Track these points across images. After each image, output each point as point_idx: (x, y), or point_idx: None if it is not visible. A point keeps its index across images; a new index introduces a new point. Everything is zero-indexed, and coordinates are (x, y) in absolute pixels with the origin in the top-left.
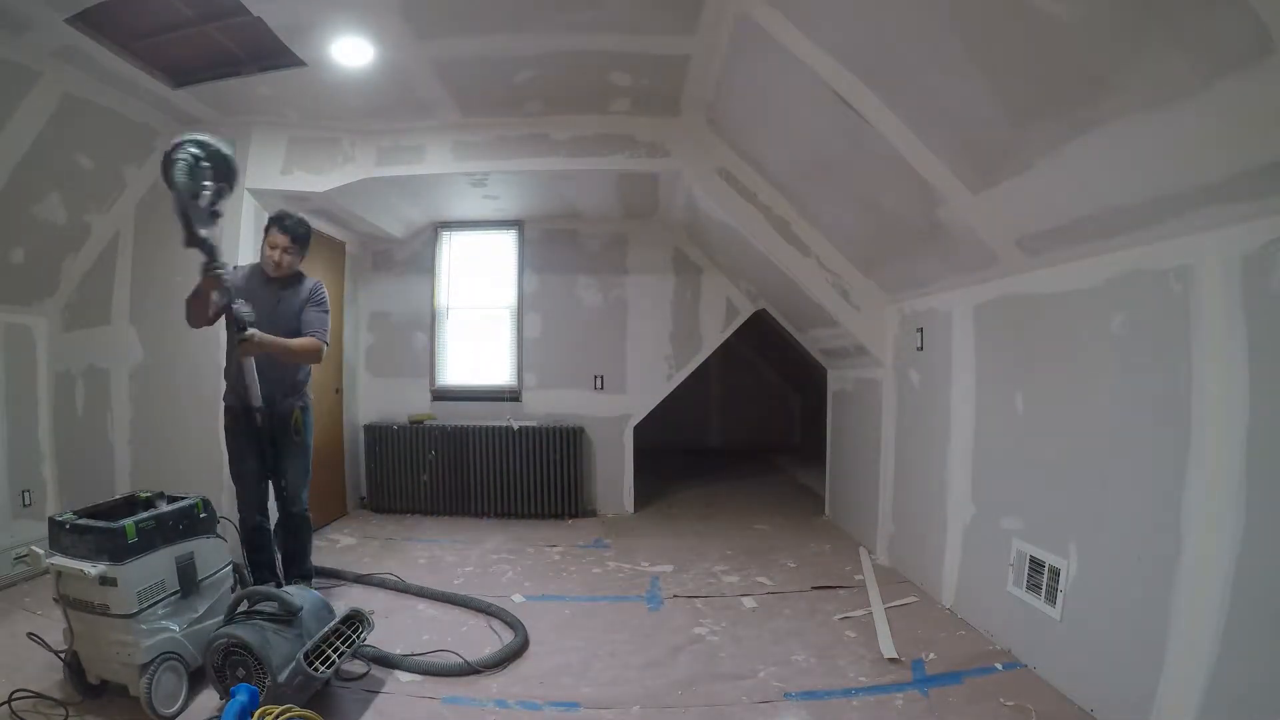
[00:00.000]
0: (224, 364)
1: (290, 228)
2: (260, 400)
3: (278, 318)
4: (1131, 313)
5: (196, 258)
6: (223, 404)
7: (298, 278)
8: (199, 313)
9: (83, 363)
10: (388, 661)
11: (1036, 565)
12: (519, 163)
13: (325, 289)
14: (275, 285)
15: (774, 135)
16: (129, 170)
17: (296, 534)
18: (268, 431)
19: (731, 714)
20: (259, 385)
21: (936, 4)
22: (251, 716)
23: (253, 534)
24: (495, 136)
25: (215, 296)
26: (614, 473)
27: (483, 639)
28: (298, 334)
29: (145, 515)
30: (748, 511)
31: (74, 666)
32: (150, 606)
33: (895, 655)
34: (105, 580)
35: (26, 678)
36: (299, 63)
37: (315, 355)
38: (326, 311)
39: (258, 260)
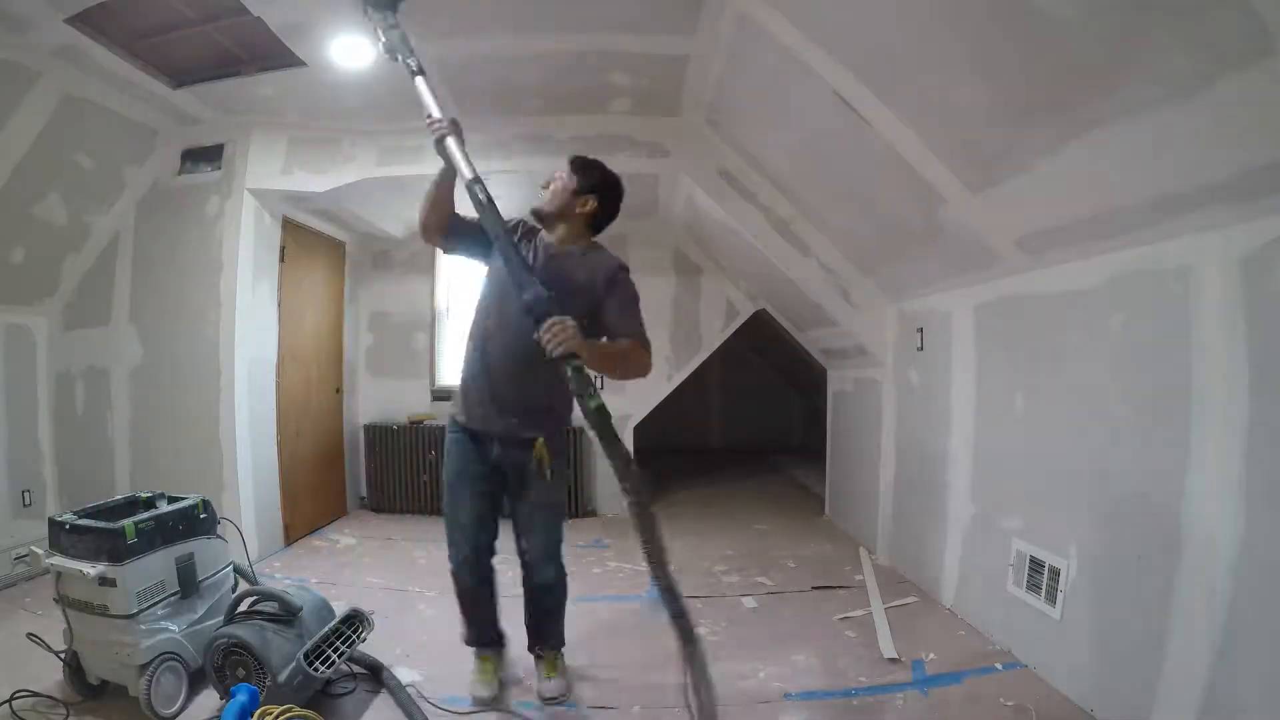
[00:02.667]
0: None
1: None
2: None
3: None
4: (1132, 313)
5: None
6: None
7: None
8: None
9: (83, 363)
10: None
11: (1036, 565)
12: (519, 163)
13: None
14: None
15: (774, 135)
16: (129, 170)
17: (550, 609)
18: (493, 467)
19: (731, 714)
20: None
21: (936, 4)
22: (251, 716)
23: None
24: (495, 136)
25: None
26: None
27: None
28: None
29: (145, 516)
30: (748, 511)
31: (74, 666)
32: (150, 607)
33: (895, 655)
34: (105, 581)
35: (26, 678)
36: (299, 63)
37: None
38: None
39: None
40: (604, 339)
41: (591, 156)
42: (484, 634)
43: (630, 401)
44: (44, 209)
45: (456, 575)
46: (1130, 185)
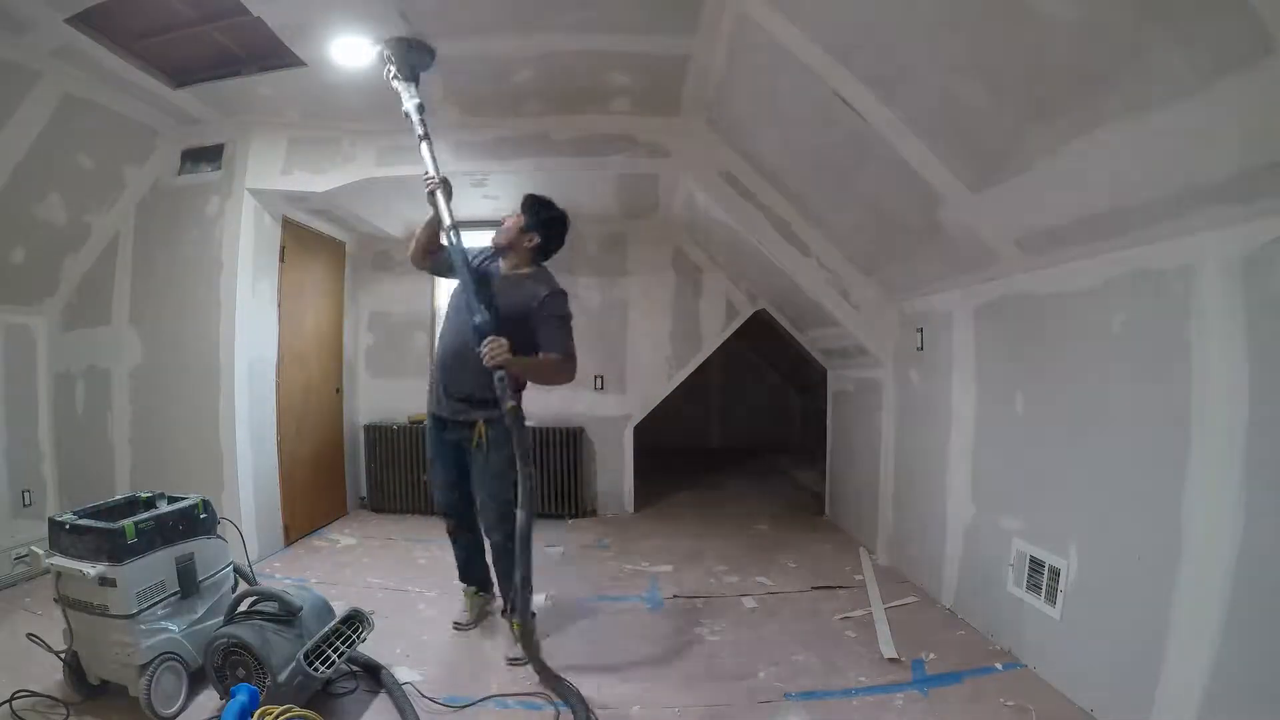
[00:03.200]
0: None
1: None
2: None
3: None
4: (1132, 313)
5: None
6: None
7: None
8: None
9: (83, 363)
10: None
11: (1036, 565)
12: (519, 163)
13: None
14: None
15: (774, 135)
16: (129, 170)
17: (499, 569)
18: (453, 443)
19: (731, 714)
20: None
21: (937, 4)
22: (251, 716)
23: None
24: (495, 136)
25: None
26: (614, 473)
27: (482, 639)
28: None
29: (145, 516)
30: (748, 511)
31: (74, 667)
32: (150, 607)
33: (895, 655)
34: (104, 581)
35: (26, 678)
36: (299, 63)
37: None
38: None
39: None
40: (539, 354)
41: (542, 196)
42: (464, 572)
43: (630, 402)
44: (44, 209)
45: (443, 519)
46: (1130, 185)
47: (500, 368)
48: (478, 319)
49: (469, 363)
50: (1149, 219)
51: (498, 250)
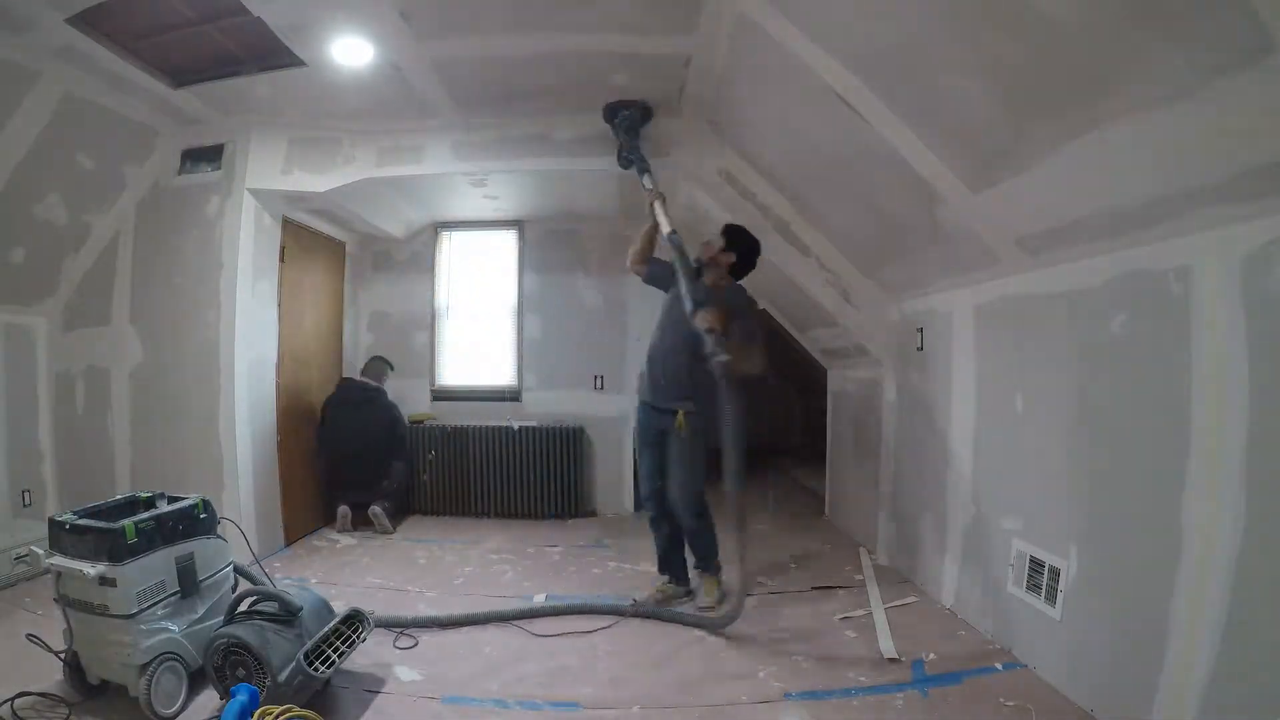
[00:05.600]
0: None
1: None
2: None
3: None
4: (1131, 313)
5: None
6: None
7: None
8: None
9: (83, 363)
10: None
11: (1036, 565)
12: (519, 163)
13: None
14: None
15: (774, 135)
16: (129, 170)
17: (689, 542)
18: (658, 430)
19: (731, 714)
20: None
21: (937, 4)
22: (251, 716)
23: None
24: (495, 136)
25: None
26: (614, 473)
27: (482, 639)
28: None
29: (145, 516)
30: (748, 512)
31: (74, 666)
32: (150, 607)
33: (895, 655)
34: (104, 581)
35: (26, 678)
36: (299, 63)
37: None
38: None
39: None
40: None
41: (737, 224)
42: (661, 564)
43: (630, 402)
44: (44, 209)
45: (644, 507)
46: (1130, 185)
47: (710, 329)
48: (698, 294)
49: (679, 356)
50: (1148, 219)
51: (700, 266)
